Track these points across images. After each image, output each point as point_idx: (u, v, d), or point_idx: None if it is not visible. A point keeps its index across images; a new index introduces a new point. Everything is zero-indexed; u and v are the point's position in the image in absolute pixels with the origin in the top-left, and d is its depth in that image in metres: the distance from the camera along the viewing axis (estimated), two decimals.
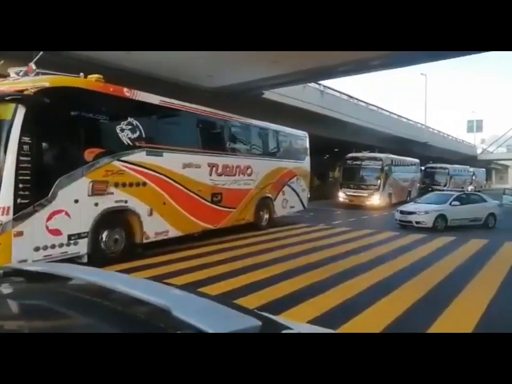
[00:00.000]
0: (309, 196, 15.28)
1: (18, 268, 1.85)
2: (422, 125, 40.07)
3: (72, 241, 6.80)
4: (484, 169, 51.27)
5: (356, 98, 25.88)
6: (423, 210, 13.56)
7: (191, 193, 9.51)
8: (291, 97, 18.17)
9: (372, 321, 4.87)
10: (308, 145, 15.40)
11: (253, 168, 11.88)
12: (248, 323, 1.31)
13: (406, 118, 34.89)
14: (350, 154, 22.85)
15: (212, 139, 10.81)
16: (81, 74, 7.25)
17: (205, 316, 1.32)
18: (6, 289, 1.71)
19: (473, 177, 42.52)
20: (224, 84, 14.54)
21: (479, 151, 61.01)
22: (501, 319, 5.00)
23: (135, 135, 8.02)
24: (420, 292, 6.02)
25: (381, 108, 29.73)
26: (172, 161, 8.96)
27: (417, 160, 27.67)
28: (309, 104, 19.70)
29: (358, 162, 22.30)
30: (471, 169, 43.25)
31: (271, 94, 17.05)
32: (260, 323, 1.31)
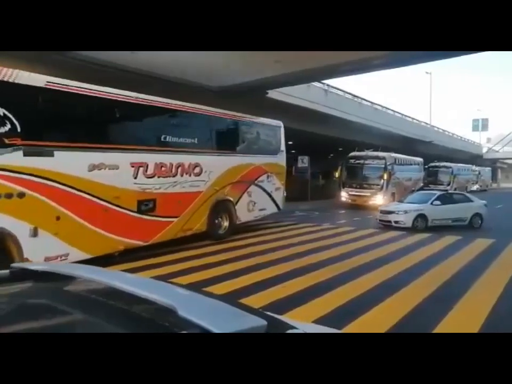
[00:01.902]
0: (285, 194, 13.21)
1: (25, 267, 1.86)
2: (427, 123, 39.91)
3: None
4: (489, 168, 51.06)
5: (360, 97, 25.80)
6: (402, 209, 13.33)
7: (103, 202, 7.31)
8: (295, 97, 18.14)
9: (378, 320, 4.86)
10: (282, 137, 13.18)
11: (203, 167, 9.70)
12: (254, 323, 1.31)
13: (410, 117, 34.76)
14: (353, 153, 22.53)
15: (137, 132, 8.40)
16: None
17: (211, 316, 1.32)
18: (13, 288, 1.73)
19: (479, 177, 42.37)
20: (228, 83, 14.53)
21: (484, 150, 60.72)
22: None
23: (2, 130, 5.98)
24: (427, 290, 6.01)
25: (385, 107, 29.64)
26: (70, 162, 6.82)
27: (420, 159, 27.37)
28: (313, 104, 19.67)
29: (361, 161, 21.94)
30: (477, 168, 43.09)
31: (275, 94, 17.04)
32: (265, 323, 1.31)
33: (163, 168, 8.68)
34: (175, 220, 8.96)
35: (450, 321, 4.83)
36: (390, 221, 13.34)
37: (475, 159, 51.71)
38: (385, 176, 21.13)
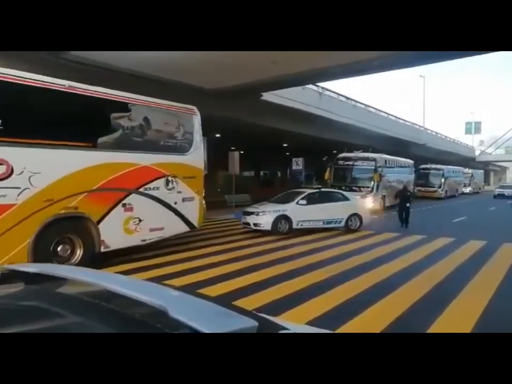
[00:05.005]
0: (203, 205, 9.73)
1: (16, 268, 1.85)
2: (420, 126, 40.21)
3: None
4: (482, 171, 51.54)
5: (354, 100, 25.94)
6: (261, 210, 11.97)
7: None
8: (290, 99, 18.21)
9: (373, 320, 4.87)
10: (198, 129, 9.65)
11: (16, 165, 6.27)
12: (245, 323, 1.31)
13: (403, 120, 35.01)
14: (342, 154, 21.89)
15: None
16: None
17: (201, 317, 1.32)
18: (3, 290, 1.71)
19: (472, 179, 42.73)
20: (223, 85, 14.56)
21: (477, 152, 61.29)
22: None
23: None
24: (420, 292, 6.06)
25: (378, 109, 29.83)
26: None
27: (411, 161, 26.99)
28: (308, 106, 19.75)
29: (350, 163, 21.20)
30: (470, 170, 43.47)
31: (270, 96, 17.09)
32: (256, 323, 1.31)
33: None
34: None
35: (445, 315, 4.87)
36: (249, 223, 11.96)
37: (468, 161, 52.27)
38: (376, 178, 20.47)
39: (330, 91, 22.79)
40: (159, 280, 6.10)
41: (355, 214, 12.93)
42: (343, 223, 12.74)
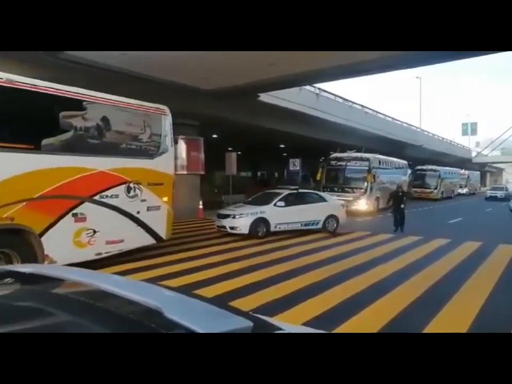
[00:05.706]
0: (171, 214, 8.73)
1: (11, 269, 1.84)
2: (417, 128, 40.29)
3: None
4: (478, 172, 51.71)
5: (350, 101, 25.95)
6: (238, 213, 11.45)
7: None
8: (287, 100, 18.18)
9: (370, 321, 4.88)
10: (168, 130, 8.65)
11: None
12: (240, 324, 1.32)
13: (400, 121, 35.04)
14: (334, 155, 21.51)
15: None
16: None
17: (196, 317, 1.32)
18: None
19: (468, 180, 42.91)
20: (220, 86, 14.54)
21: (473, 154, 61.49)
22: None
23: None
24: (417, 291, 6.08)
25: (375, 111, 29.84)
26: None
27: (405, 162, 26.62)
28: (305, 107, 19.73)
29: (343, 163, 20.71)
30: (466, 172, 43.63)
31: (267, 97, 17.08)
32: (251, 324, 1.31)
33: None
34: None
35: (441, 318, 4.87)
36: (224, 226, 11.47)
37: (464, 162, 52.44)
38: (369, 179, 19.92)
39: (327, 92, 22.80)
40: (157, 280, 6.11)
41: (332, 216, 12.71)
42: (320, 225, 12.52)
